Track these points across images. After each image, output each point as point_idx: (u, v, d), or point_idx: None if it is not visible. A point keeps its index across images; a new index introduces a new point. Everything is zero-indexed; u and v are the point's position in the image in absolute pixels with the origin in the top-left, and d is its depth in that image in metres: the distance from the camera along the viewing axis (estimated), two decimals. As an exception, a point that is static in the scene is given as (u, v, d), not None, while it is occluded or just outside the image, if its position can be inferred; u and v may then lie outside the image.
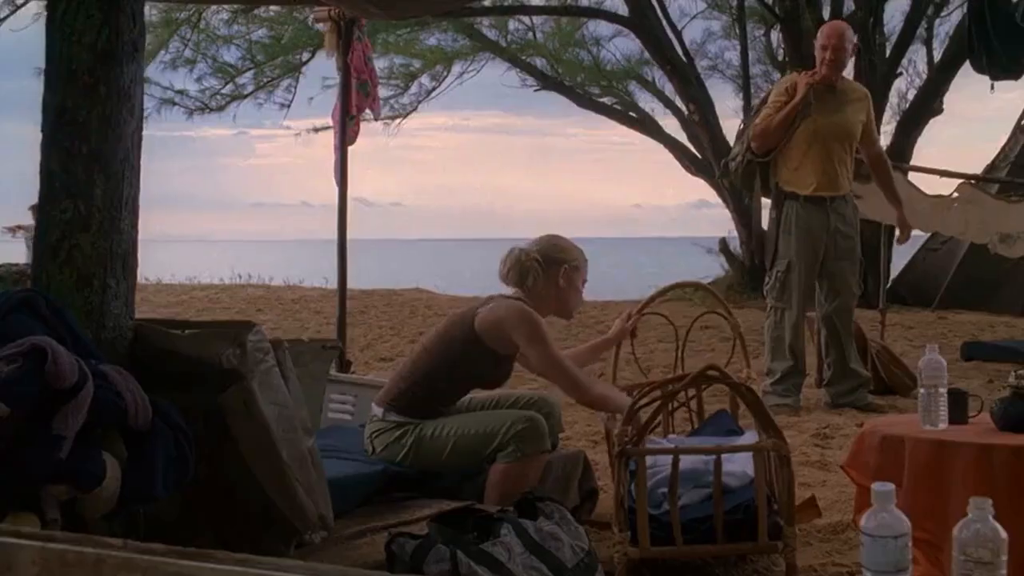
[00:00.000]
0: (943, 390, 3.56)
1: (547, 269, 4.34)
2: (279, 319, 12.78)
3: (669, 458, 3.76)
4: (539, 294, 4.34)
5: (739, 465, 3.92)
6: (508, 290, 4.39)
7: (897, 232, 7.44)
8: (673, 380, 4.02)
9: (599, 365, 7.17)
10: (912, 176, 9.27)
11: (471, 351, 4.22)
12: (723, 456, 3.76)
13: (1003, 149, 13.71)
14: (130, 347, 3.10)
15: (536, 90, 15.81)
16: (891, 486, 2.19)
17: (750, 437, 4.26)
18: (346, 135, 6.28)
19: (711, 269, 14.98)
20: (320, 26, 6.41)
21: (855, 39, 7.22)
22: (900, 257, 12.40)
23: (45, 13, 3.13)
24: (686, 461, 3.71)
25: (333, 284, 16.73)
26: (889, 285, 10.41)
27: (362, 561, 3.26)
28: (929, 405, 3.55)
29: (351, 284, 16.48)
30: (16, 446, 2.58)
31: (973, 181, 9.16)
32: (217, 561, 1.47)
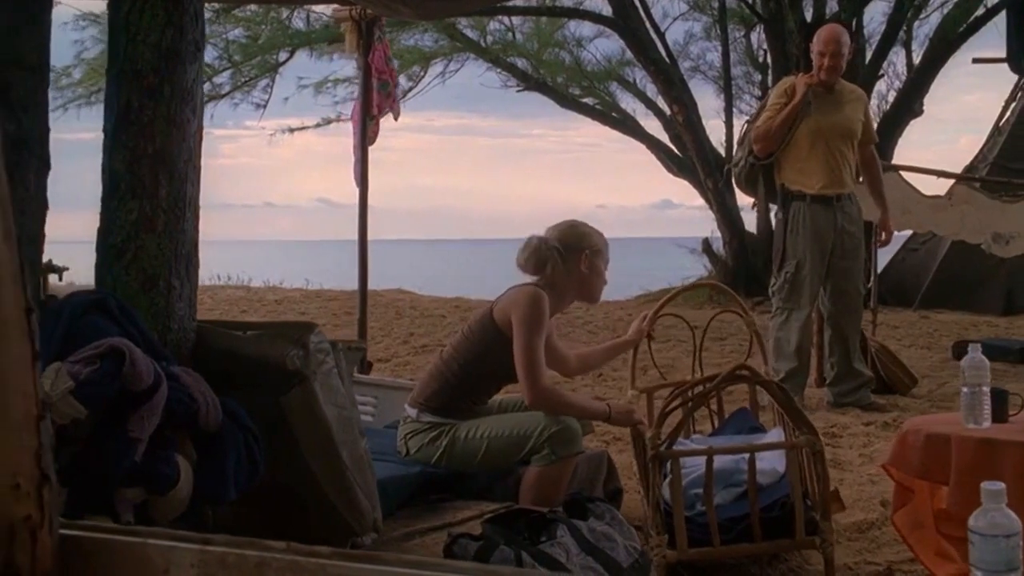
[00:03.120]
0: (987, 389, 3.58)
1: (567, 257, 4.33)
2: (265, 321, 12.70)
3: (697, 459, 3.79)
4: (559, 282, 4.33)
5: (768, 463, 3.94)
6: (528, 279, 4.38)
7: (879, 234, 7.48)
8: (702, 381, 4.02)
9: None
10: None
11: (494, 344, 4.22)
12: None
13: (982, 150, 13.82)
14: (192, 348, 3.09)
15: (519, 90, 15.81)
16: (1002, 485, 2.20)
17: (775, 435, 4.29)
18: (366, 135, 6.25)
19: (695, 269, 15.04)
20: (341, 26, 6.38)
21: (850, 42, 7.26)
22: (880, 257, 12.48)
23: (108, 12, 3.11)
24: (716, 461, 3.72)
25: (315, 285, 16.77)
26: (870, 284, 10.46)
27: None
28: (973, 404, 3.57)
29: (330, 285, 16.42)
30: (91, 448, 2.57)
31: (975, 182, 9.23)
32: (386, 563, 1.46)
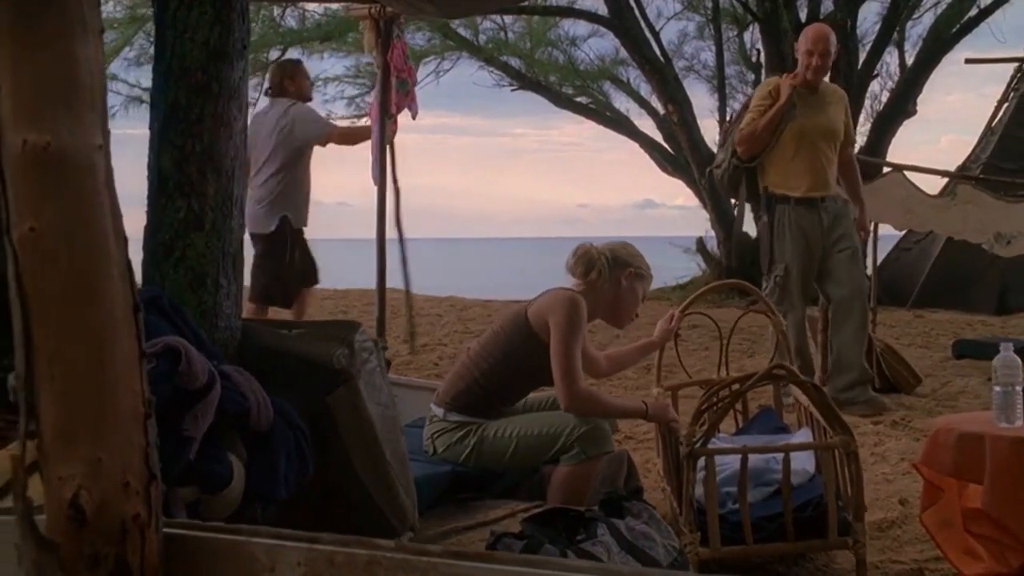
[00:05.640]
0: (1019, 388, 3.59)
1: (613, 267, 4.35)
2: (260, 320, 12.58)
3: (727, 458, 3.80)
4: (599, 289, 4.34)
5: (799, 463, 3.95)
6: (570, 283, 4.39)
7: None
8: (735, 380, 4.01)
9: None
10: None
11: (526, 345, 4.21)
12: (780, 455, 3.81)
13: (974, 150, 13.87)
14: (238, 346, 3.08)
15: (513, 90, 15.80)
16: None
17: (803, 435, 4.30)
18: (385, 134, 6.24)
19: (688, 269, 15.04)
20: (359, 24, 6.35)
21: (836, 42, 7.22)
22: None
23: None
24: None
25: (308, 283, 16.61)
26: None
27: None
28: (1005, 403, 3.58)
29: (323, 284, 16.30)
30: (145, 447, 2.55)
31: (973, 181, 9.27)
32: (499, 562, 1.46)
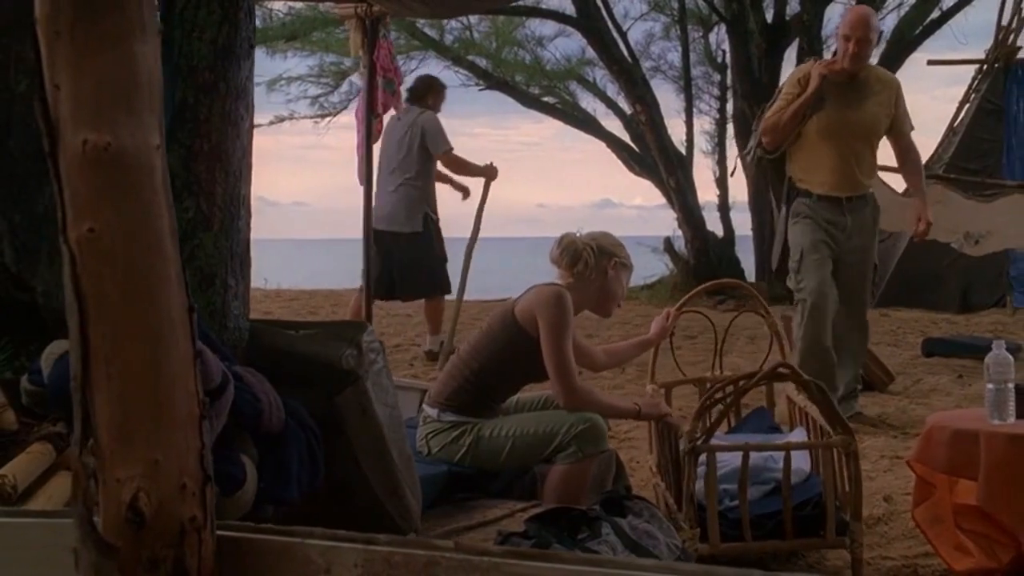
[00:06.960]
0: (1011, 385, 3.64)
1: (599, 257, 4.36)
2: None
3: (726, 455, 3.83)
4: (586, 279, 4.35)
5: (795, 462, 3.97)
6: (555, 273, 4.40)
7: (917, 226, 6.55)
8: (736, 379, 4.02)
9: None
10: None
11: (515, 342, 4.20)
12: (776, 453, 3.84)
13: (936, 150, 13.98)
14: (246, 347, 3.07)
15: (480, 89, 15.79)
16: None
17: (798, 434, 4.33)
18: (371, 134, 6.23)
19: (655, 268, 15.07)
20: (345, 23, 6.33)
21: (880, 26, 6.79)
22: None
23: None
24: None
25: (274, 284, 16.59)
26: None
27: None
28: (999, 400, 3.62)
29: (288, 284, 16.22)
30: (159, 449, 2.53)
31: (944, 181, 9.37)
32: (562, 561, 1.46)
